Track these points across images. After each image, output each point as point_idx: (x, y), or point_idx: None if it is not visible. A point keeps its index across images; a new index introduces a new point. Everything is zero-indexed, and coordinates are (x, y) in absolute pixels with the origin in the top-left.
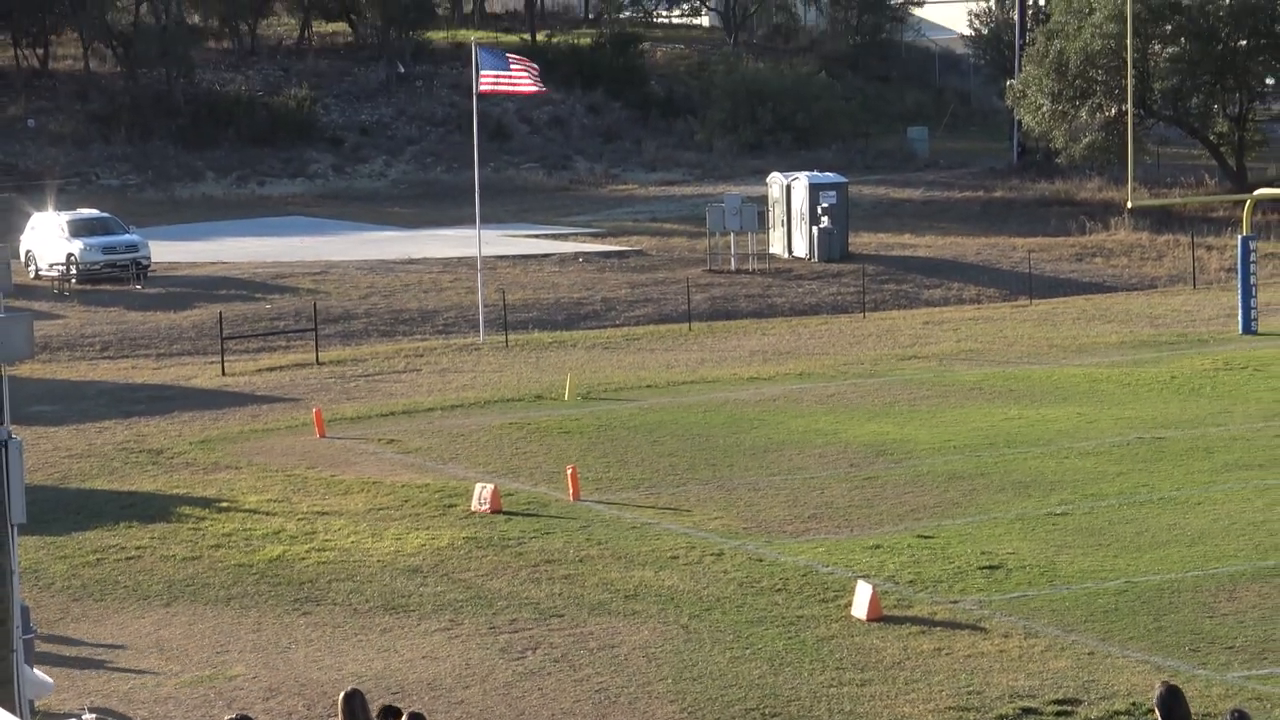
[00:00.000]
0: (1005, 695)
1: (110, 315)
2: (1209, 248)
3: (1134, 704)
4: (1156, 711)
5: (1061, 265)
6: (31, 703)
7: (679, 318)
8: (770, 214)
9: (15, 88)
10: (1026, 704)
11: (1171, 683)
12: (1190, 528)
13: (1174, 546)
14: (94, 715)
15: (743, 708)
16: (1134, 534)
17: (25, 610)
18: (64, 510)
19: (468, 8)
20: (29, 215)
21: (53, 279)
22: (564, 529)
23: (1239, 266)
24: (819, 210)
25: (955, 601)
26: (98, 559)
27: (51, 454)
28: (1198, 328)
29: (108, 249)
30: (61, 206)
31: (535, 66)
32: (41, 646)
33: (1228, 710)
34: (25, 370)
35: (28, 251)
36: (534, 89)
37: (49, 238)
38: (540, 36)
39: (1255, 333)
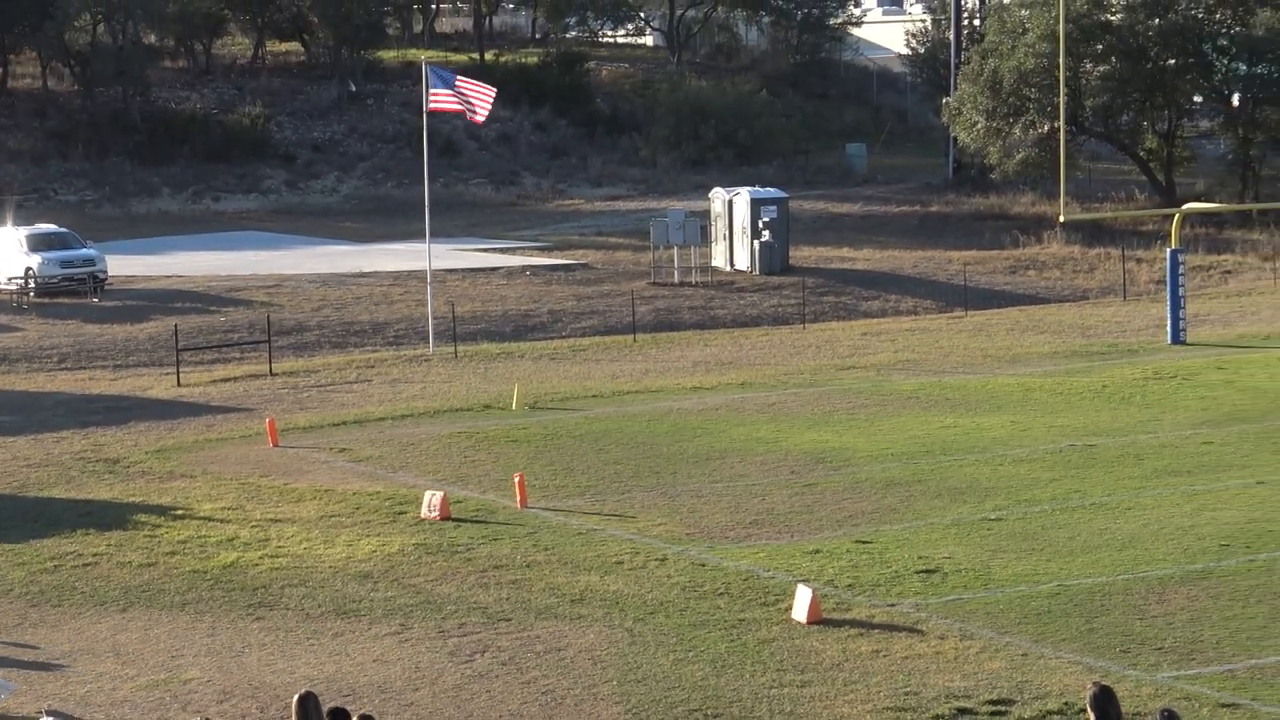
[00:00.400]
0: (941, 696)
1: (68, 328)
2: (1139, 260)
3: (1067, 704)
4: (1089, 711)
5: (996, 278)
6: None
7: (624, 329)
8: (713, 228)
9: None
10: (962, 704)
11: (1103, 683)
12: (1121, 532)
13: (1105, 550)
14: (51, 718)
15: (686, 709)
16: (1066, 538)
17: None
18: (22, 518)
19: (418, 28)
20: None
21: (11, 292)
22: (511, 535)
23: (1168, 279)
24: (760, 225)
25: (893, 605)
26: (55, 565)
27: (10, 463)
28: (1128, 338)
29: (65, 263)
30: (19, 221)
31: (492, 91)
32: (0, 651)
33: (1158, 710)
34: None
35: None
36: (483, 111)
37: (7, 252)
38: (489, 56)
39: (1184, 343)
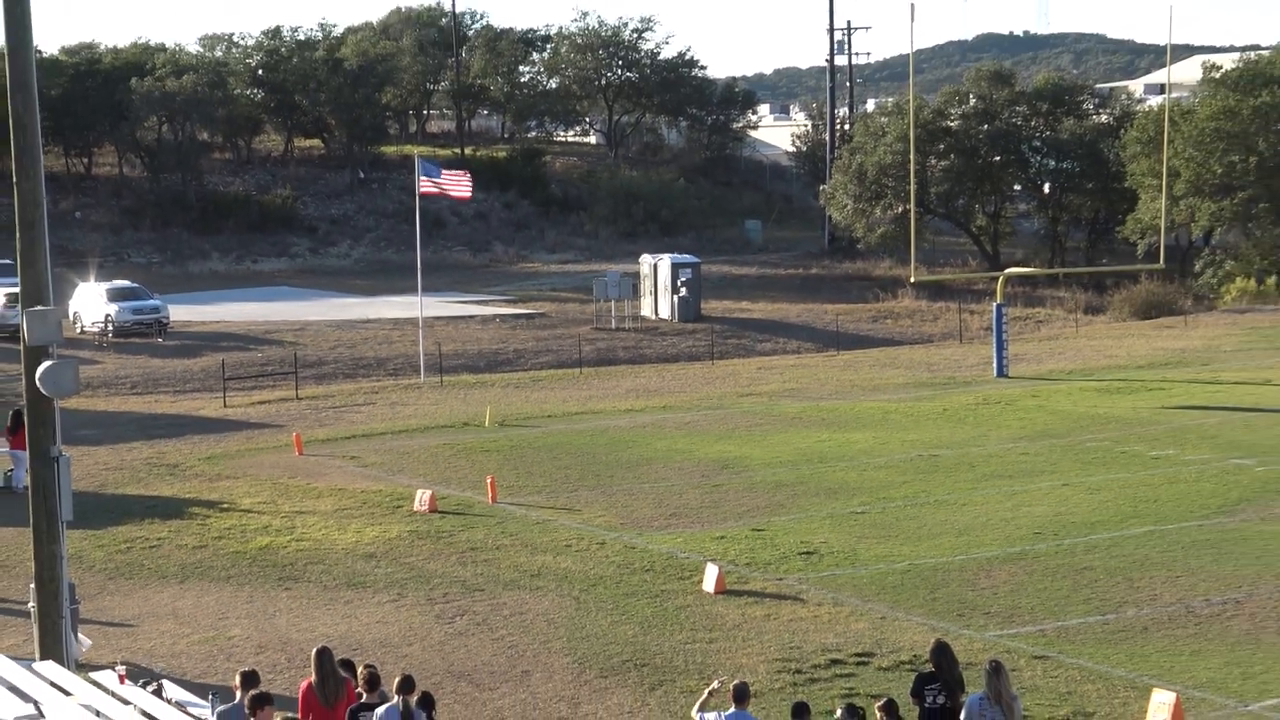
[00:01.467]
0: (818, 650)
1: (138, 362)
2: (971, 312)
3: (915, 655)
4: (931, 660)
5: (861, 325)
6: (75, 659)
7: (572, 364)
8: (642, 286)
9: (66, 188)
10: (834, 656)
11: (943, 639)
12: (957, 523)
13: (945, 537)
14: (124, 667)
15: (620, 660)
16: (915, 527)
17: (71, 586)
18: (101, 510)
19: (413, 128)
20: (76, 285)
21: (94, 334)
22: (485, 524)
23: (994, 326)
24: (678, 283)
25: (780, 579)
26: (127, 547)
27: (91, 467)
28: (963, 373)
29: (136, 310)
30: (100, 278)
31: (468, 177)
32: (84, 614)
33: (986, 660)
34: (73, 403)
35: (75, 313)
36: (463, 196)
37: (91, 302)
38: (468, 150)
39: (1006, 376)
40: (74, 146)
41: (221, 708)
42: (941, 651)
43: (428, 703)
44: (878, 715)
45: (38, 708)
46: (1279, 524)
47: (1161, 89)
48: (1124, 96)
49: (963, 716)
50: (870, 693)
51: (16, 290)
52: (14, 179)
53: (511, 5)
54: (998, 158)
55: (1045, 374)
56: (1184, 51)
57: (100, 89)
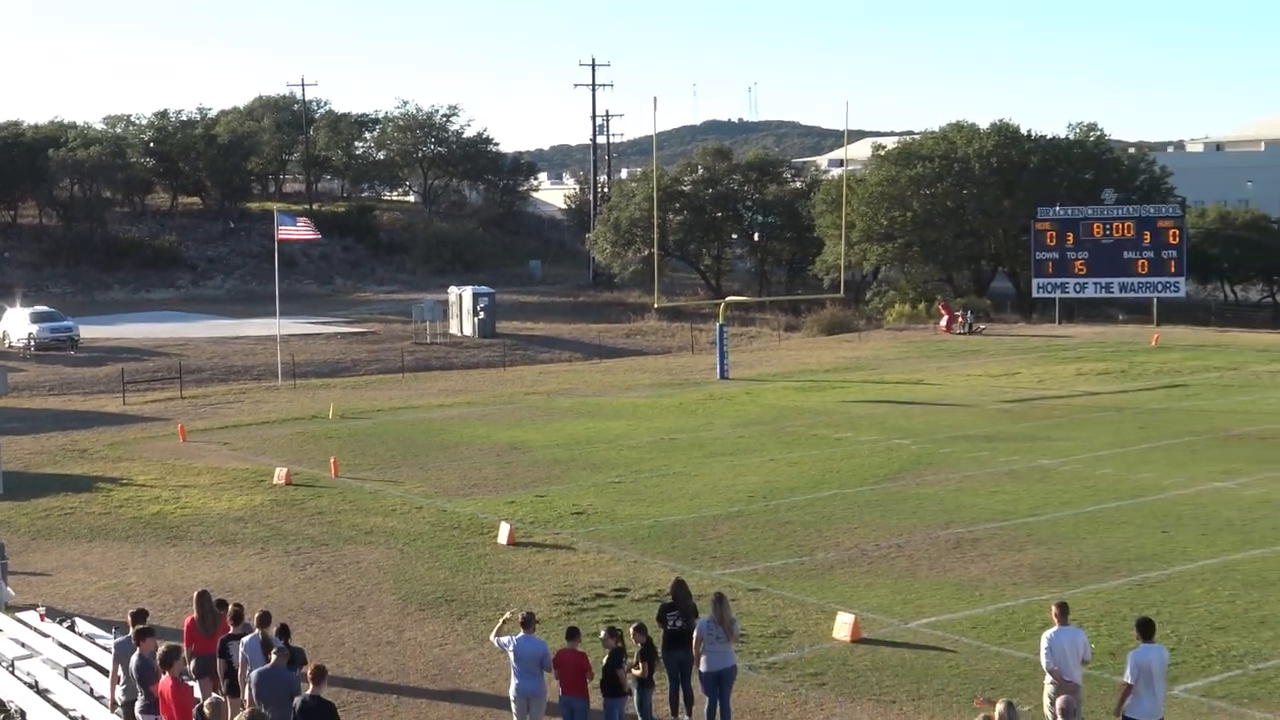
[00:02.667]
0: (586, 587)
1: (55, 369)
2: (700, 330)
3: (660, 590)
4: (671, 594)
5: (618, 340)
6: (4, 603)
7: (396, 370)
8: (450, 310)
9: None
10: (599, 591)
11: (680, 577)
12: (690, 489)
13: (681, 500)
14: (44, 608)
15: (434, 597)
16: (659, 493)
17: (1, 546)
18: (26, 486)
19: (271, 188)
20: (4, 310)
21: (19, 348)
22: (329, 494)
23: (717, 341)
24: (478, 308)
25: (557, 533)
26: (46, 514)
27: (19, 452)
28: (694, 376)
29: (54, 330)
30: (24, 304)
31: (310, 224)
32: (11, 567)
33: (712, 592)
34: (2, 403)
35: (3, 331)
36: (311, 238)
37: (17, 323)
38: (315, 206)
39: (727, 378)
40: (1, 201)
41: (119, 639)
42: (679, 586)
43: (284, 632)
44: (631, 635)
45: None
46: (929, 488)
47: (841, 163)
48: (813, 169)
49: (695, 635)
50: (625, 618)
51: None
52: None
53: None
54: (719, 214)
55: (756, 376)
56: (858, 135)
57: (24, 156)
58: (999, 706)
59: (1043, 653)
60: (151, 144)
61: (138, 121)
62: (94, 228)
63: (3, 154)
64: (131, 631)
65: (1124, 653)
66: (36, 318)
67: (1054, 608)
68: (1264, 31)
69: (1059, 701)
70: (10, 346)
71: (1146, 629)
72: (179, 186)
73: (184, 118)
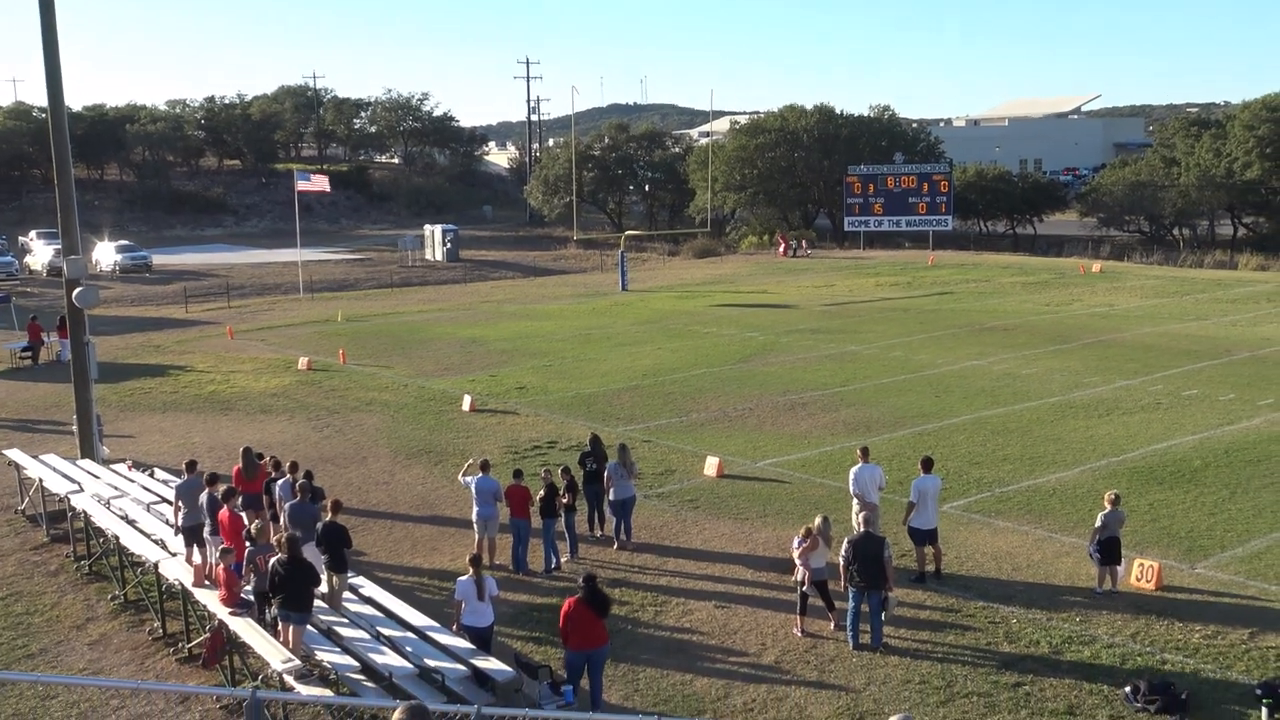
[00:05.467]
0: (527, 440)
1: (134, 287)
2: (607, 256)
3: (580, 442)
4: (589, 444)
5: (548, 263)
6: (102, 458)
7: (387, 285)
8: (426, 242)
9: (87, 188)
10: (535, 444)
11: (595, 432)
12: (601, 370)
13: (594, 378)
14: (131, 461)
15: (417, 449)
16: (580, 372)
17: (98, 416)
18: (114, 372)
19: (292, 154)
20: (95, 244)
21: (107, 272)
22: (341, 376)
23: (620, 263)
24: (446, 240)
25: (506, 403)
26: (131, 393)
27: (108, 349)
28: (603, 289)
29: (133, 258)
30: (111, 240)
31: (325, 179)
32: (106, 432)
33: (618, 443)
34: (95, 312)
35: (96, 260)
36: (323, 190)
37: (105, 253)
38: (325, 166)
39: (627, 290)
40: (91, 163)
41: (179, 482)
42: (594, 440)
43: (309, 476)
44: (559, 475)
45: (79, 484)
46: (772, 367)
47: (708, 135)
48: (688, 139)
49: (606, 474)
50: (555, 463)
51: (60, 247)
52: (56, 182)
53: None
54: (620, 171)
55: (647, 289)
56: (720, 114)
57: (107, 130)
58: (816, 520)
59: (850, 482)
60: (203, 120)
61: (191, 104)
62: (160, 183)
63: (91, 128)
64: (186, 476)
65: (909, 482)
66: (119, 249)
67: (858, 450)
68: (1012, 33)
69: (861, 516)
70: (100, 271)
71: (927, 464)
72: (224, 152)
73: (226, 101)
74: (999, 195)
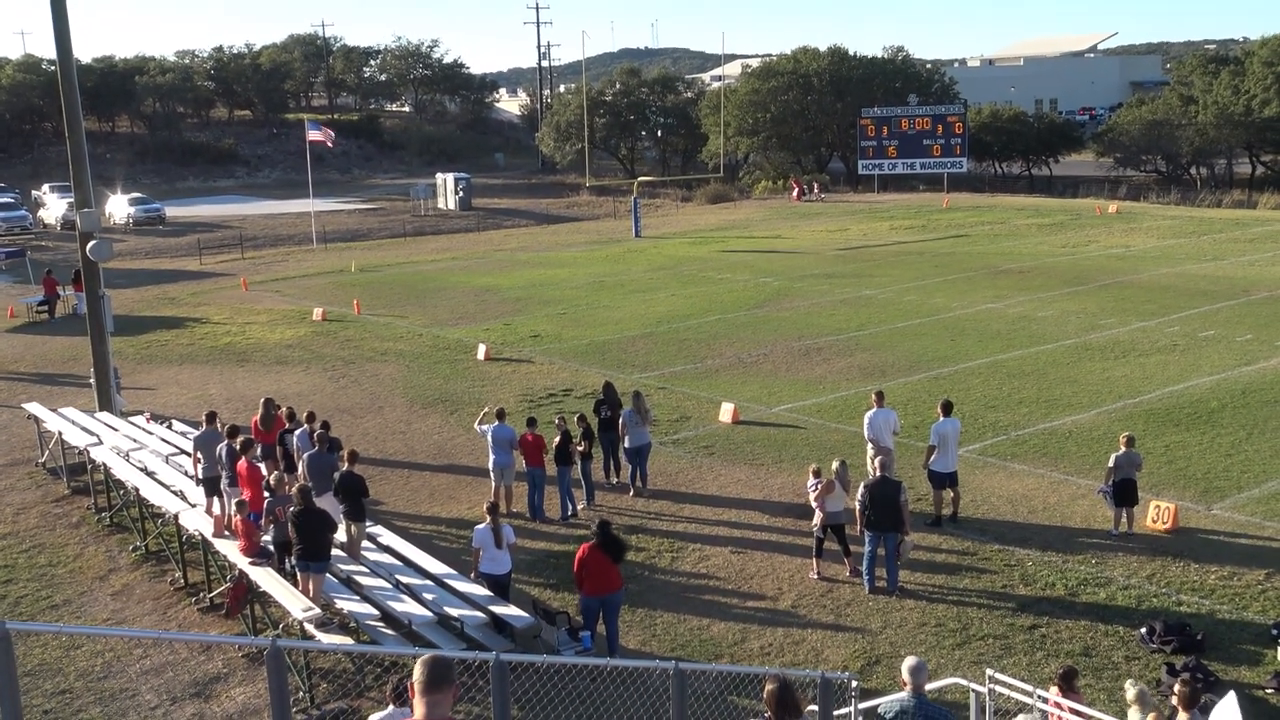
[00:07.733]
0: (542, 388)
1: (147, 240)
2: (621, 201)
3: (594, 390)
4: (603, 391)
5: (562, 210)
6: (120, 410)
7: (400, 235)
8: (438, 190)
9: (98, 140)
10: (550, 391)
11: (609, 380)
12: (616, 316)
13: (608, 326)
14: (148, 412)
15: (433, 398)
16: (593, 319)
17: (115, 369)
18: (130, 325)
19: (303, 103)
20: (108, 196)
21: (121, 224)
22: (355, 326)
23: (633, 210)
24: (458, 188)
25: (521, 350)
26: (148, 345)
27: (124, 301)
28: (616, 236)
29: (146, 210)
30: (123, 192)
31: (330, 132)
32: (123, 384)
33: (632, 390)
34: (110, 265)
35: (109, 213)
36: (331, 141)
37: (118, 206)
38: (335, 115)
39: (641, 237)
40: (102, 116)
41: (197, 434)
42: (608, 387)
43: (326, 426)
44: (575, 422)
45: (99, 437)
46: (786, 312)
47: (720, 79)
48: (700, 83)
49: (620, 421)
50: (570, 411)
51: (73, 200)
52: (67, 135)
53: (358, 32)
54: (632, 117)
55: (661, 235)
56: (732, 58)
57: (117, 81)
58: (834, 464)
59: (865, 427)
60: (212, 71)
61: (200, 54)
62: (172, 135)
63: (101, 80)
64: (204, 427)
65: (926, 426)
66: (132, 202)
67: (873, 395)
68: None
69: (876, 460)
70: (114, 224)
71: (947, 407)
72: (234, 103)
73: (235, 51)
74: (1014, 136)
